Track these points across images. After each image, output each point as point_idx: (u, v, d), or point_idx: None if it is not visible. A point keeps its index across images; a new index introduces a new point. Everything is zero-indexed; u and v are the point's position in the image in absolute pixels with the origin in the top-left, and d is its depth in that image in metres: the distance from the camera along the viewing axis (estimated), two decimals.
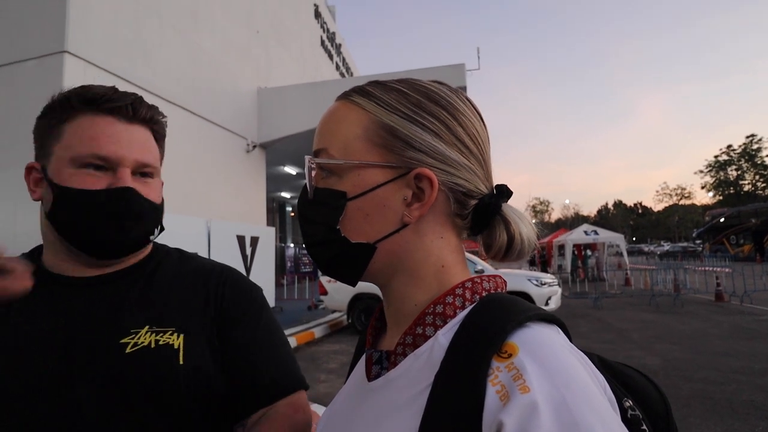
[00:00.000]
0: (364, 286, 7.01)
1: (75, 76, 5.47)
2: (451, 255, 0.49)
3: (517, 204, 0.51)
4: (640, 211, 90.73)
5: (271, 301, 8.26)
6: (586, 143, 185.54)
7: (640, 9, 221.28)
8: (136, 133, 0.72)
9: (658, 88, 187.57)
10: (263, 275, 7.51)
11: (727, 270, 13.00)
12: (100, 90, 0.71)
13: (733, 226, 32.81)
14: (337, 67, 18.51)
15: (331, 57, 17.52)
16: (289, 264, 17.07)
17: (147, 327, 0.70)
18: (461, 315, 0.44)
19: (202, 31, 8.41)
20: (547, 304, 7.56)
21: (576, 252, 18.22)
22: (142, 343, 0.68)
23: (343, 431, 0.49)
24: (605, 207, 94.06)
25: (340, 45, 19.05)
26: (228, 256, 6.52)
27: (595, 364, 0.42)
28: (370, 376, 0.49)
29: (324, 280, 7.98)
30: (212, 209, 7.55)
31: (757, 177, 58.27)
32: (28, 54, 5.54)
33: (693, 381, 4.62)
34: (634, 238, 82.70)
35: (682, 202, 78.12)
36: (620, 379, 0.47)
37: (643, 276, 14.55)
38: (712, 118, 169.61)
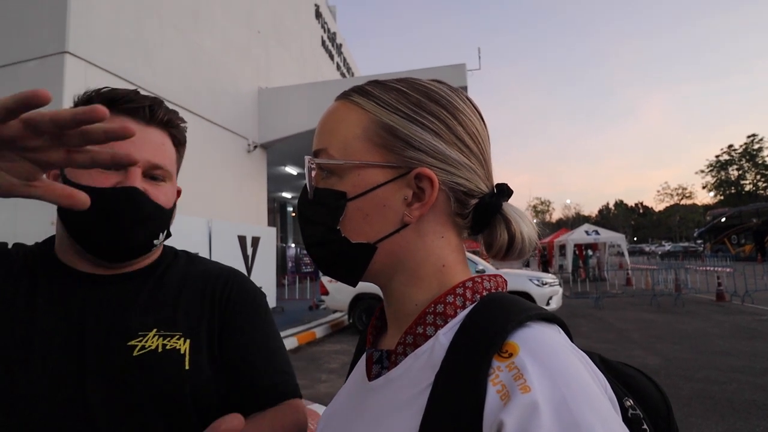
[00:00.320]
0: (365, 286, 7.00)
1: (76, 76, 5.48)
2: (452, 254, 0.49)
3: (518, 204, 0.51)
4: (641, 211, 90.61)
5: (272, 301, 8.27)
6: (587, 143, 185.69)
7: (641, 9, 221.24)
8: (152, 135, 0.72)
9: (659, 87, 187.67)
10: (264, 275, 7.51)
11: (728, 270, 12.98)
12: (122, 92, 0.71)
13: (734, 225, 32.76)
14: (338, 67, 18.51)
15: (331, 57, 17.52)
16: (290, 264, 17.08)
17: (155, 330, 0.70)
18: (462, 314, 0.44)
19: (203, 32, 8.41)
20: (548, 304, 7.55)
21: (577, 252, 18.19)
22: (150, 346, 0.68)
23: (344, 431, 0.49)
24: (606, 207, 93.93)
25: (340, 45, 19.05)
26: (229, 256, 6.52)
27: (596, 364, 0.42)
28: (371, 376, 0.49)
29: (325, 280, 7.98)
30: (213, 209, 7.55)
31: (758, 177, 58.19)
32: (29, 54, 5.55)
33: (694, 380, 4.62)
34: (635, 238, 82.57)
35: (684, 201, 78.03)
36: (621, 379, 0.47)
37: (644, 276, 14.53)
38: (713, 118, 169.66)
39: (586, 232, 17.61)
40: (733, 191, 59.87)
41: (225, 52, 9.08)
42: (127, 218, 0.68)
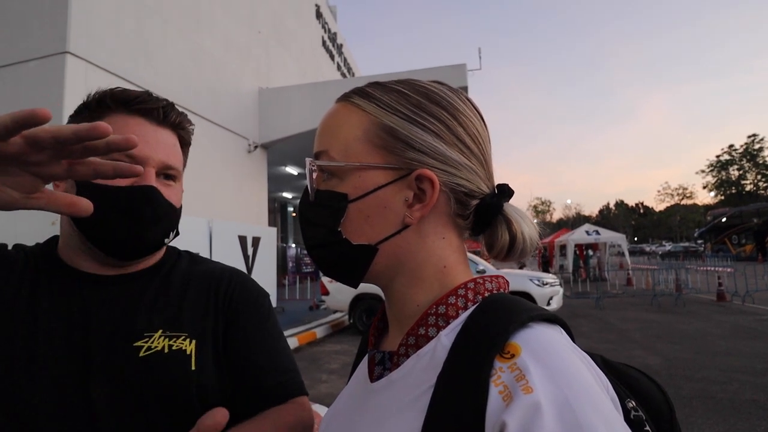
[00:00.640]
0: (366, 287, 6.97)
1: (76, 76, 5.48)
2: (453, 255, 0.49)
3: (519, 204, 0.51)
4: (641, 211, 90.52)
5: (272, 301, 8.20)
6: (587, 143, 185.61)
7: (641, 9, 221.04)
8: (164, 136, 0.73)
9: (659, 87, 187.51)
10: (265, 275, 7.50)
11: (728, 270, 12.96)
12: (135, 92, 0.73)
13: (734, 225, 32.74)
14: (339, 68, 18.51)
15: (332, 57, 17.51)
16: (290, 264, 17.08)
17: (161, 331, 0.70)
18: (463, 315, 0.44)
19: (204, 32, 8.41)
20: (548, 304, 7.55)
21: (578, 252, 18.18)
22: (156, 347, 0.68)
23: None
24: (607, 207, 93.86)
25: (341, 45, 19.05)
26: (229, 256, 6.52)
27: (598, 365, 0.42)
28: (373, 377, 0.49)
29: (326, 280, 7.98)
30: (214, 209, 7.55)
31: (758, 177, 58.15)
32: (30, 54, 5.55)
33: (695, 380, 4.61)
34: (635, 238, 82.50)
35: (684, 201, 77.99)
36: (623, 380, 0.47)
37: (645, 276, 14.52)
38: (714, 118, 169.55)
39: (587, 232, 17.60)
40: (733, 191, 59.84)
41: (226, 52, 9.08)
42: (144, 217, 0.69)
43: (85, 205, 0.43)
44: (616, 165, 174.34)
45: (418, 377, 0.42)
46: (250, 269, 7.24)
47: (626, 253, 17.39)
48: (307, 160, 0.50)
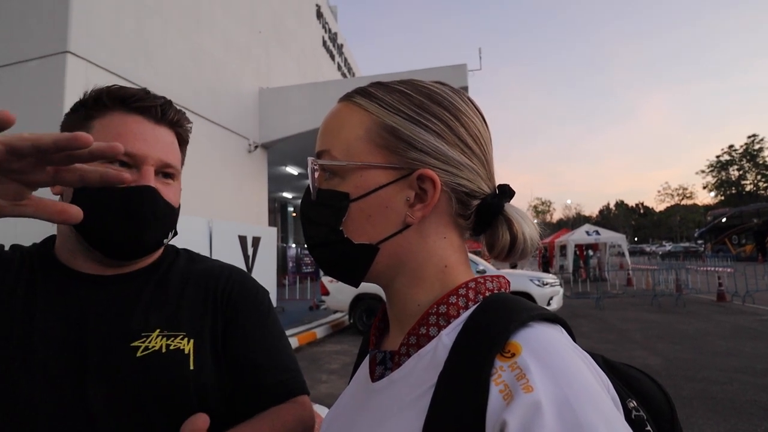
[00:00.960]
0: (366, 287, 7.00)
1: (77, 76, 5.47)
2: (454, 255, 0.49)
3: (519, 204, 0.51)
4: (641, 211, 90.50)
5: (272, 301, 8.22)
6: (587, 143, 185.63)
7: (641, 9, 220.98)
8: (162, 134, 0.73)
9: (659, 88, 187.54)
10: (265, 275, 7.50)
11: (729, 270, 12.96)
12: (132, 90, 0.72)
13: (734, 226, 32.75)
14: (339, 68, 18.50)
15: (332, 57, 17.51)
16: (290, 264, 17.07)
17: (158, 330, 0.70)
18: (464, 315, 0.44)
19: (204, 32, 8.41)
20: (549, 304, 7.55)
21: (578, 252, 18.17)
22: (153, 347, 0.68)
23: None
24: (607, 207, 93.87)
25: (341, 45, 19.04)
26: (229, 256, 6.51)
27: (599, 365, 0.42)
28: (374, 377, 0.49)
29: (326, 280, 7.98)
30: (214, 209, 7.55)
31: (758, 177, 58.16)
32: (31, 54, 5.55)
33: (695, 381, 4.61)
34: (635, 239, 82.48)
35: (684, 202, 78.02)
36: (624, 380, 0.47)
37: (645, 276, 14.52)
38: (713, 118, 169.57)
39: (587, 232, 17.59)
40: (733, 191, 59.85)
41: (226, 52, 9.08)
42: (142, 217, 0.68)
43: (75, 212, 0.43)
44: (616, 165, 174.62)
45: (419, 377, 0.42)
46: (250, 269, 7.23)
47: (626, 254, 17.38)
48: (309, 159, 0.50)
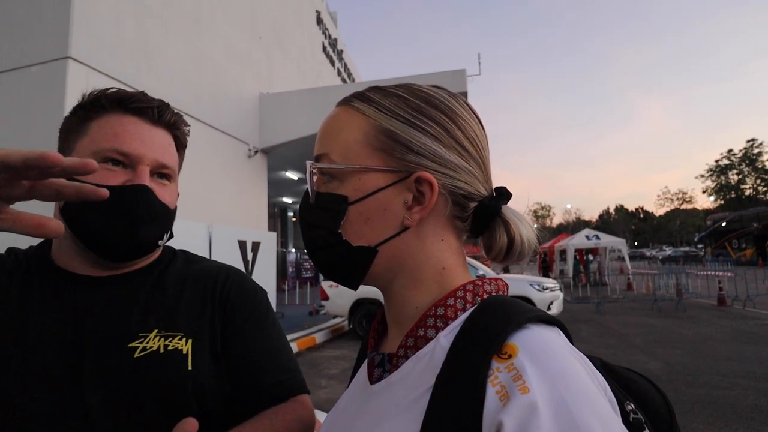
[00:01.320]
0: (366, 291, 6.99)
1: (78, 81, 5.49)
2: (452, 257, 0.49)
3: (518, 209, 0.52)
4: (641, 215, 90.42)
5: (272, 306, 8.21)
6: (587, 148, 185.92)
7: (640, 14, 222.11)
8: (159, 135, 0.73)
9: (658, 92, 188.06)
10: (264, 280, 7.48)
11: (729, 274, 12.97)
12: (130, 92, 0.73)
13: (734, 230, 32.77)
14: (339, 73, 18.56)
15: (332, 63, 17.57)
16: (290, 269, 17.04)
17: (156, 331, 0.69)
18: (462, 317, 0.44)
19: (205, 37, 8.45)
20: (549, 308, 7.53)
21: (578, 257, 18.16)
22: (151, 347, 0.68)
23: None
24: (607, 211, 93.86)
25: (341, 51, 19.12)
26: (229, 260, 6.45)
27: (597, 368, 0.42)
28: (372, 379, 0.49)
29: (325, 285, 7.97)
30: (214, 214, 7.55)
31: (758, 181, 58.22)
32: (32, 60, 5.57)
33: (696, 385, 4.60)
34: (635, 243, 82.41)
35: (684, 206, 78.14)
36: (623, 383, 0.47)
37: (645, 280, 14.49)
38: (713, 123, 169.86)
39: (587, 236, 17.59)
40: (733, 196, 59.90)
41: (227, 57, 9.12)
42: (137, 216, 0.68)
43: (54, 226, 0.43)
44: (615, 170, 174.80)
45: (417, 379, 0.43)
46: (249, 274, 7.22)
47: (626, 258, 17.40)
48: (308, 162, 0.51)
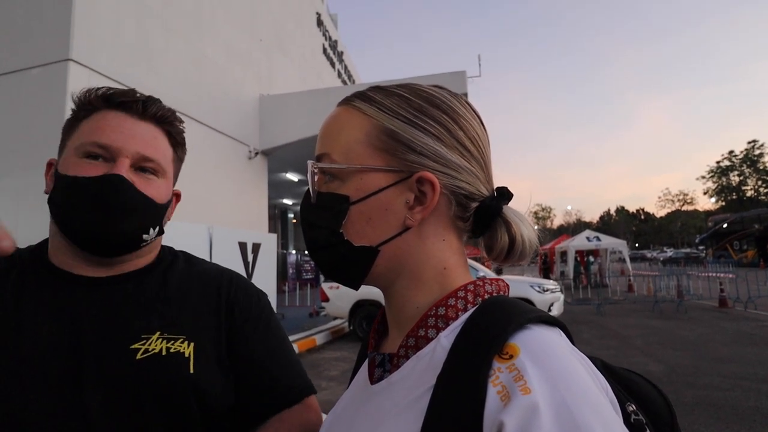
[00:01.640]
0: (366, 293, 6.99)
1: (79, 83, 5.50)
2: (453, 257, 0.49)
3: (519, 210, 0.52)
4: (642, 217, 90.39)
5: (272, 307, 8.21)
6: (587, 149, 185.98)
7: (641, 15, 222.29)
8: (143, 129, 0.72)
9: (659, 93, 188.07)
10: (265, 282, 7.49)
11: (730, 276, 12.95)
12: (120, 90, 0.72)
13: (736, 231, 32.73)
14: (339, 75, 18.59)
15: (333, 65, 17.60)
16: (290, 271, 17.03)
17: (158, 333, 0.69)
18: (463, 317, 0.44)
19: (206, 39, 8.46)
20: (549, 310, 7.53)
21: (578, 258, 18.16)
22: (153, 349, 0.67)
23: None
24: (607, 213, 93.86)
25: (342, 53, 19.14)
26: (229, 262, 6.49)
27: (598, 369, 0.42)
28: (373, 379, 0.49)
29: (326, 286, 7.97)
30: (214, 216, 7.55)
31: (759, 183, 58.21)
32: (33, 62, 5.58)
33: (697, 387, 4.59)
34: (636, 244, 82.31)
35: (685, 207, 78.09)
36: (624, 384, 0.47)
37: (646, 282, 14.49)
38: (714, 124, 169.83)
39: (588, 238, 17.58)
40: (734, 197, 59.87)
41: (227, 59, 9.13)
42: (110, 206, 0.66)
43: (4, 246, 0.44)
44: (616, 171, 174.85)
45: (418, 379, 0.42)
46: (250, 275, 7.22)
47: (627, 260, 17.37)
48: (309, 162, 0.51)
